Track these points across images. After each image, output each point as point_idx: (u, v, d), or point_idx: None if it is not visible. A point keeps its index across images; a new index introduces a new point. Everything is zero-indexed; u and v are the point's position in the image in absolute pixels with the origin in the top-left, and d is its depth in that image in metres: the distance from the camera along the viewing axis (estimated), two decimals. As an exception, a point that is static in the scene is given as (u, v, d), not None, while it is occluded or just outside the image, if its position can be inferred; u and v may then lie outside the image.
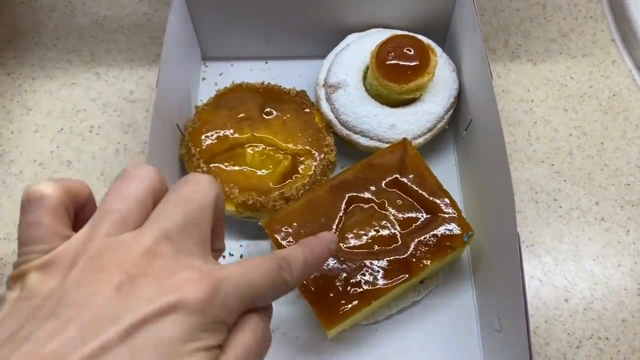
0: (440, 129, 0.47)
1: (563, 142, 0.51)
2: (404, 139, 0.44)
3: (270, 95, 0.47)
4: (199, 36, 0.52)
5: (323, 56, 0.50)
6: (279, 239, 0.40)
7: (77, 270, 0.21)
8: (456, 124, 0.50)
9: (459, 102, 0.48)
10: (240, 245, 0.46)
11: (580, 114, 0.52)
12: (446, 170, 0.49)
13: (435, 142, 0.49)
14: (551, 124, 0.52)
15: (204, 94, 0.52)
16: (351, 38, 0.50)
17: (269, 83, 0.48)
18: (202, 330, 0.21)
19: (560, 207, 0.48)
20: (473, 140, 0.45)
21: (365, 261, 0.40)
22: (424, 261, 0.40)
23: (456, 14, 0.49)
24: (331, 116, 0.47)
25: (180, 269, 0.22)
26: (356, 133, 0.46)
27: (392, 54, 0.44)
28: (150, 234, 0.23)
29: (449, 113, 0.47)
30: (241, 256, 0.46)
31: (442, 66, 0.47)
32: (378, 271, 0.39)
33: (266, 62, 0.55)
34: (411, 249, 0.40)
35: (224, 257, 0.45)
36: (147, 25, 0.57)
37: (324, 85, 0.48)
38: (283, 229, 0.40)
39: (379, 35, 0.47)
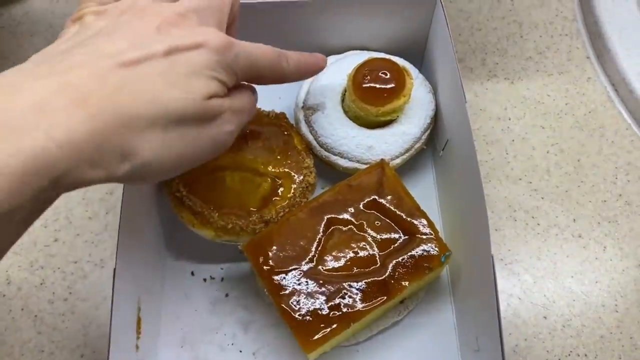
0: (418, 149, 0.47)
1: (540, 160, 0.51)
2: (382, 160, 0.44)
3: (249, 118, 0.48)
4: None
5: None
6: (259, 263, 0.40)
7: (125, 16, 0.29)
8: (434, 144, 0.50)
9: (436, 123, 0.48)
10: (221, 268, 0.46)
11: (557, 131, 0.53)
12: (425, 190, 0.49)
13: (414, 162, 0.49)
14: (528, 142, 0.52)
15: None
16: (329, 60, 0.50)
17: (249, 106, 0.49)
18: (219, 67, 0.29)
19: (538, 224, 0.48)
20: (450, 160, 0.46)
21: (344, 283, 0.40)
22: (402, 282, 0.40)
23: (432, 35, 0.49)
24: (310, 138, 0.47)
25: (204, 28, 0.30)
26: (335, 155, 0.46)
27: (368, 77, 0.44)
28: (183, 5, 0.30)
29: (426, 133, 0.47)
30: (222, 279, 0.46)
31: (418, 87, 0.47)
32: (357, 293, 0.40)
33: (247, 84, 0.55)
34: (389, 270, 0.40)
35: (204, 280, 0.46)
36: (128, 48, 0.57)
37: (303, 108, 0.48)
38: (262, 252, 0.41)
39: (356, 58, 0.48)
